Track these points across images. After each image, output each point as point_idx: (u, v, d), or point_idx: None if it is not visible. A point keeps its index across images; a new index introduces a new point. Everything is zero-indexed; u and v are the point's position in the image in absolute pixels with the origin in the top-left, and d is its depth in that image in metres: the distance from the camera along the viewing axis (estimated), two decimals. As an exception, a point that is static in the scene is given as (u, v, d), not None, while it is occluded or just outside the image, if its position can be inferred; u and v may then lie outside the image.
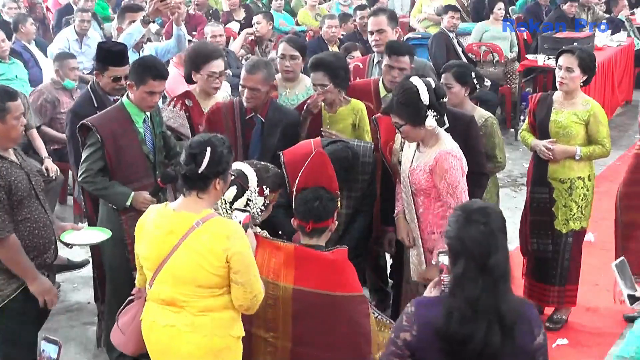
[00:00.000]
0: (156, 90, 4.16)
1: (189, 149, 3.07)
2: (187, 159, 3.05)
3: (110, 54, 4.60)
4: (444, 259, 2.61)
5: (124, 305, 3.27)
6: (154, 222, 3.10)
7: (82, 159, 4.18)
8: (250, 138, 4.41)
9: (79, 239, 3.92)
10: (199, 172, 3.02)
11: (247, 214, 3.23)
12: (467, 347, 2.39)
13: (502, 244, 2.45)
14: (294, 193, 3.57)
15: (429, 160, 3.76)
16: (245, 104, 4.39)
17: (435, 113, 3.70)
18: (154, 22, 5.48)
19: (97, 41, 8.42)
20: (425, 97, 3.68)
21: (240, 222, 3.14)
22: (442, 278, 2.62)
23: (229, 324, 3.09)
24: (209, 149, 3.03)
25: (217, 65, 4.83)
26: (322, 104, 4.50)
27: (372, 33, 5.27)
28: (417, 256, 4.02)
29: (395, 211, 4.16)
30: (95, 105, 4.61)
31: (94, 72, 4.83)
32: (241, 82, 4.37)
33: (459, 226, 2.45)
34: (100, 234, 3.97)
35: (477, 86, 4.58)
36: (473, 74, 4.55)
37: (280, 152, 4.15)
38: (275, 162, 4.16)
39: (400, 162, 4.08)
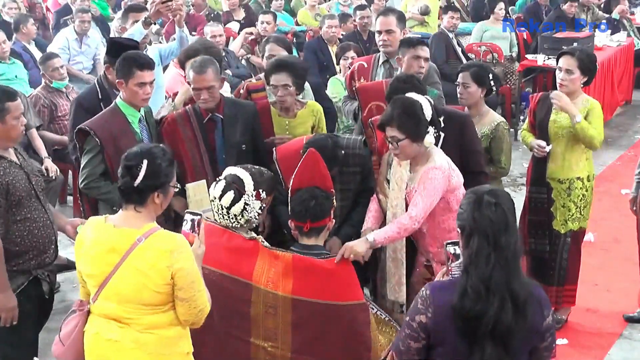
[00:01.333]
0: (146, 81, 4.14)
1: (125, 160, 2.91)
2: (123, 171, 2.89)
3: (122, 48, 4.60)
4: (451, 249, 2.75)
5: (66, 316, 3.11)
6: (93, 239, 2.94)
7: (82, 165, 4.14)
8: (214, 140, 4.35)
9: None
10: (135, 185, 2.87)
11: (199, 217, 3.09)
12: (480, 325, 2.46)
13: (513, 224, 2.55)
14: (289, 195, 3.57)
15: (419, 178, 3.68)
16: (203, 105, 4.29)
17: (435, 130, 3.62)
18: (155, 23, 5.43)
19: (97, 41, 8.51)
20: (428, 112, 3.61)
21: (195, 224, 3.02)
22: (450, 267, 2.72)
23: (174, 341, 2.98)
24: (145, 161, 2.87)
25: None
26: (274, 109, 4.51)
27: (380, 33, 5.16)
28: (398, 277, 3.87)
29: (364, 227, 3.94)
30: (100, 97, 4.66)
31: (105, 65, 4.86)
32: (194, 85, 4.24)
33: (472, 207, 2.54)
34: None
35: (494, 88, 4.59)
36: (490, 76, 4.57)
37: (274, 149, 4.15)
38: (241, 158, 4.18)
39: (388, 181, 3.91)
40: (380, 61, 5.16)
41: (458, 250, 2.75)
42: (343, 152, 4.04)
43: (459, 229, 2.60)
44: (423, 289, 2.60)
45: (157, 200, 2.94)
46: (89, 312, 3.02)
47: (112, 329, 2.93)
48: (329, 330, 3.35)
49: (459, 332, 2.50)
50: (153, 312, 2.91)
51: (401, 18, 5.27)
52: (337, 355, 3.38)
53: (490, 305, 2.45)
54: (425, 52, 4.67)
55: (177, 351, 2.99)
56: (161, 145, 3.06)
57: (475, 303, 2.45)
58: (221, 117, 4.35)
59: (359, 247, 3.49)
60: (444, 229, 3.78)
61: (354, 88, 4.95)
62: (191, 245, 2.97)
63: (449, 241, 2.82)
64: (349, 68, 5.53)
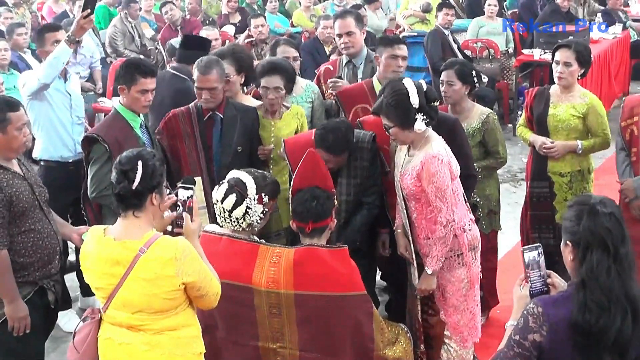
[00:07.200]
0: (148, 88, 4.15)
1: (119, 165, 2.91)
2: (119, 176, 2.88)
3: (195, 43, 4.83)
4: (529, 255, 2.63)
5: (78, 323, 3.11)
6: (95, 254, 2.93)
7: (91, 174, 4.11)
8: (211, 138, 4.40)
9: None
10: (133, 188, 2.86)
11: (191, 191, 3.04)
12: (602, 339, 2.39)
13: (627, 233, 2.48)
14: (290, 196, 3.58)
15: (416, 165, 3.66)
16: (204, 105, 4.36)
17: (424, 116, 3.60)
18: (79, 41, 4.84)
19: (92, 49, 8.49)
20: (414, 100, 3.59)
21: (187, 201, 3.00)
22: (528, 275, 2.63)
23: (188, 341, 3.00)
24: (140, 162, 2.88)
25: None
26: (260, 113, 4.54)
27: (340, 36, 5.17)
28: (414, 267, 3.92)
29: (395, 224, 4.05)
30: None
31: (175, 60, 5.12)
32: (198, 84, 4.33)
33: (586, 218, 2.45)
34: None
35: (477, 85, 4.60)
36: (473, 72, 4.58)
37: (283, 140, 4.16)
38: (236, 160, 4.22)
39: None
40: (344, 63, 5.24)
41: (537, 258, 2.65)
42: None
43: (569, 243, 2.51)
44: (532, 305, 2.48)
45: (154, 202, 2.92)
46: (101, 319, 3.03)
47: (124, 334, 2.95)
48: (333, 324, 3.36)
49: (576, 347, 2.42)
50: (165, 316, 2.93)
51: (359, 18, 5.28)
52: (343, 349, 3.38)
53: (613, 318, 2.38)
54: (402, 50, 4.61)
55: (190, 351, 3.01)
56: (147, 149, 3.06)
57: (598, 317, 2.38)
58: (221, 116, 4.40)
59: (432, 284, 3.79)
60: (429, 220, 3.74)
61: (329, 91, 5.03)
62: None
63: (526, 247, 2.68)
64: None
